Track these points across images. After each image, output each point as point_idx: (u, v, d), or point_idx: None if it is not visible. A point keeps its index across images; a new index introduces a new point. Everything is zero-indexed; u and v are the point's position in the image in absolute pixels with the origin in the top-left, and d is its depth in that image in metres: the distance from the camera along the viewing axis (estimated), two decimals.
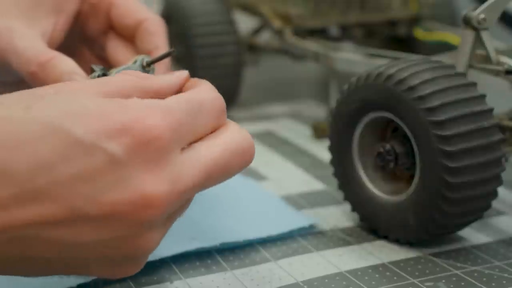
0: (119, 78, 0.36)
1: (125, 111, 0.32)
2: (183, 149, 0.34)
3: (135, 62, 0.43)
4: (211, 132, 0.36)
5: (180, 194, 0.33)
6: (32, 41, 0.45)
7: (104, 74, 0.42)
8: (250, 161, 0.36)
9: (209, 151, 0.34)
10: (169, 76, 0.38)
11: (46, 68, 0.44)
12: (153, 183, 0.32)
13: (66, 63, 0.45)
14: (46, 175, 0.31)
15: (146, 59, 0.43)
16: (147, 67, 0.43)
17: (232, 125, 0.36)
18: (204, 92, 0.36)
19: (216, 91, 0.37)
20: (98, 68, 0.42)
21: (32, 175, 0.30)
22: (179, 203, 0.34)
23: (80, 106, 0.32)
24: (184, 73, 0.38)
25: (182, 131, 0.33)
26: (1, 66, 0.46)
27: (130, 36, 0.49)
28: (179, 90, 0.38)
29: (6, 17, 0.46)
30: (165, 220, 0.34)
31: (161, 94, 0.36)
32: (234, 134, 0.36)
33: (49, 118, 0.31)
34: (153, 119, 0.32)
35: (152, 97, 0.35)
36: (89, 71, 0.44)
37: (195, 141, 0.35)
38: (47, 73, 0.44)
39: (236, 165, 0.36)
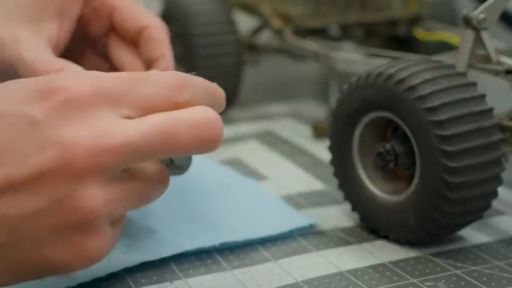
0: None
1: (48, 79, 0.34)
2: (125, 117, 0.34)
3: None
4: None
5: (108, 149, 0.33)
6: (38, 51, 0.45)
7: None
8: (212, 141, 0.35)
9: (153, 118, 0.34)
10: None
11: None
12: (72, 135, 0.32)
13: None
14: None
15: None
16: None
17: (199, 107, 0.35)
18: (160, 72, 0.36)
19: (178, 73, 0.36)
20: None
21: None
22: (114, 160, 0.33)
23: (3, 85, 0.34)
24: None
25: (111, 94, 0.34)
26: (10, 74, 0.46)
27: (132, 40, 0.49)
28: None
29: (10, 25, 0.46)
30: (104, 178, 0.33)
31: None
32: (194, 111, 0.35)
33: None
34: (73, 82, 0.33)
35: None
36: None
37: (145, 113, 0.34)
38: None
39: (188, 137, 0.35)
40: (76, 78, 0.34)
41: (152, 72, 0.36)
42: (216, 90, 0.38)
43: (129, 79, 0.35)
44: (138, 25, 0.49)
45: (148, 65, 0.49)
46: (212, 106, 0.36)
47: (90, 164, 0.33)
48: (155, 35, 0.49)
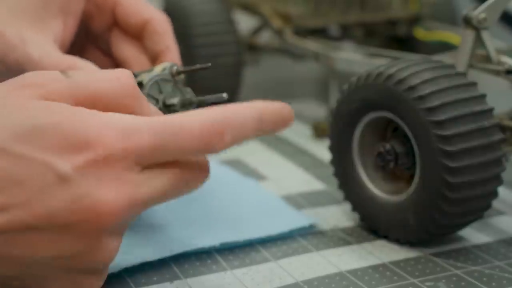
0: (96, 82, 0.35)
1: (80, 128, 0.32)
2: (144, 168, 0.34)
3: (164, 69, 0.43)
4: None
5: (135, 207, 0.34)
6: (46, 49, 0.45)
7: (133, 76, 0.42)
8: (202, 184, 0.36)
9: (166, 178, 0.34)
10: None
11: None
12: (102, 197, 0.32)
13: (86, 69, 0.45)
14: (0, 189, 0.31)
15: (175, 67, 0.43)
16: (177, 76, 0.43)
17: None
18: (192, 118, 0.34)
19: (212, 114, 0.34)
20: None
21: None
22: (135, 215, 0.34)
23: (31, 122, 0.32)
24: None
25: (142, 153, 0.33)
26: (15, 75, 0.46)
27: (136, 34, 0.49)
28: None
29: (16, 24, 0.46)
30: (121, 228, 0.35)
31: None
32: (192, 171, 0.36)
33: None
34: (105, 137, 0.32)
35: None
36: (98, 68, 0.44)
37: (161, 164, 0.34)
38: None
39: (180, 193, 0.36)
40: (108, 130, 0.32)
41: (185, 119, 0.34)
42: (274, 115, 0.37)
43: (162, 133, 0.33)
44: (141, 18, 0.49)
45: (153, 58, 0.49)
46: (267, 132, 0.36)
47: (117, 222, 0.33)
48: (159, 28, 0.49)
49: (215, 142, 0.34)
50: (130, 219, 0.34)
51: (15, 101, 0.33)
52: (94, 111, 0.33)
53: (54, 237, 0.32)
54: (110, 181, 0.32)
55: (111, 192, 0.32)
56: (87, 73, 0.35)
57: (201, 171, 0.36)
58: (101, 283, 0.36)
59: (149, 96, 0.42)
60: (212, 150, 0.34)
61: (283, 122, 0.37)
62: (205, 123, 0.34)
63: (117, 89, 0.35)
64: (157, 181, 0.34)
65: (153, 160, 0.34)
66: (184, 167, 0.35)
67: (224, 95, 0.41)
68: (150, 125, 0.33)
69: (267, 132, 0.36)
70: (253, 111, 0.35)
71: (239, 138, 0.35)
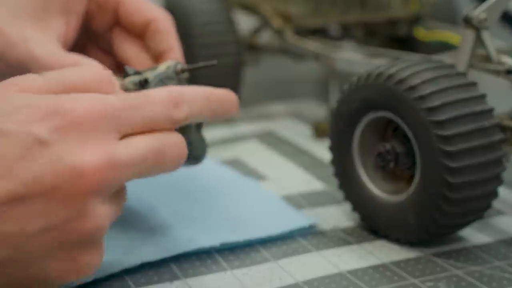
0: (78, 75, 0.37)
1: (55, 100, 0.34)
2: (123, 136, 0.36)
3: (168, 67, 0.43)
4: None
5: (114, 168, 0.34)
6: (49, 47, 0.45)
7: (137, 73, 0.43)
8: (182, 162, 0.38)
9: (143, 142, 0.36)
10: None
11: None
12: (81, 156, 0.33)
13: (90, 65, 0.45)
14: None
15: (179, 65, 0.43)
16: (181, 74, 0.43)
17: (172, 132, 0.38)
18: (156, 91, 0.38)
19: (175, 89, 0.38)
20: (131, 71, 0.43)
21: None
22: (117, 177, 0.35)
23: (8, 105, 0.34)
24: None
25: (114, 116, 0.35)
26: (18, 74, 0.46)
27: (138, 33, 0.49)
28: None
29: (17, 23, 0.46)
30: (109, 195, 0.35)
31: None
32: (167, 136, 0.38)
33: None
34: (79, 104, 0.34)
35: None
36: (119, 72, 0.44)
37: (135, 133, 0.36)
38: None
39: (164, 157, 0.37)
40: (82, 100, 0.35)
41: (150, 92, 0.38)
42: (219, 97, 0.41)
43: (131, 101, 0.36)
44: (144, 17, 0.49)
45: (156, 57, 0.49)
46: (216, 112, 0.40)
47: (99, 183, 0.34)
48: (163, 27, 0.49)
49: (175, 110, 0.37)
50: (114, 184, 0.35)
51: None
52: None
53: (40, 206, 0.33)
54: (88, 142, 0.34)
55: (89, 151, 0.34)
56: (60, 71, 0.37)
57: (177, 146, 0.38)
58: (100, 259, 0.36)
59: None
60: (175, 118, 0.37)
61: (229, 104, 0.41)
62: (163, 94, 0.38)
63: (87, 77, 0.37)
64: (134, 144, 0.36)
65: (126, 126, 0.36)
66: (159, 137, 0.37)
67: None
68: (118, 96, 0.36)
69: (216, 112, 0.40)
70: (202, 91, 0.40)
71: (193, 110, 0.39)
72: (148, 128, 0.37)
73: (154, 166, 0.37)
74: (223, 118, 0.42)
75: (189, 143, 0.42)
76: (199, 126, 0.44)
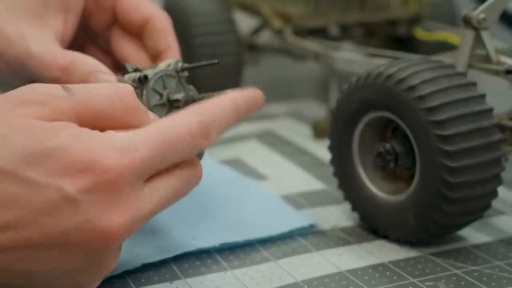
0: (99, 99, 0.35)
1: (84, 151, 0.33)
2: (146, 181, 0.35)
3: (169, 65, 0.43)
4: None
5: (139, 221, 0.35)
6: (46, 44, 0.45)
7: (137, 70, 0.42)
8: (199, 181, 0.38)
9: (168, 186, 0.36)
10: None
11: (68, 72, 0.44)
12: (110, 220, 0.33)
13: (88, 63, 0.45)
14: (11, 211, 0.32)
15: (180, 63, 0.43)
16: (181, 72, 0.43)
17: (192, 163, 0.37)
18: (181, 124, 0.36)
19: (196, 118, 0.36)
20: (130, 68, 0.42)
21: None
22: (139, 226, 0.35)
23: (38, 146, 0.32)
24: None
25: (144, 167, 0.34)
26: (18, 73, 0.46)
27: (136, 32, 0.49)
28: None
29: (15, 21, 0.46)
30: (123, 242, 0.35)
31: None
32: (189, 171, 0.37)
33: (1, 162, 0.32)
34: (112, 160, 0.33)
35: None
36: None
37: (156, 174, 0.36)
38: (71, 76, 0.44)
39: (183, 194, 0.37)
40: (109, 151, 0.33)
41: (178, 122, 0.36)
42: (246, 101, 0.39)
43: (160, 144, 0.35)
44: (142, 16, 0.49)
45: (154, 56, 0.49)
46: (244, 116, 0.39)
47: (122, 239, 0.34)
48: (160, 26, 0.48)
49: (204, 141, 0.36)
50: (133, 232, 0.35)
51: (19, 120, 0.33)
52: (95, 132, 0.34)
53: (61, 253, 0.33)
54: (115, 203, 0.33)
55: (117, 214, 0.33)
56: (87, 88, 0.36)
57: (194, 169, 0.37)
58: (99, 281, 0.36)
59: (154, 90, 0.42)
60: (201, 148, 0.37)
61: (256, 104, 0.40)
62: (194, 125, 0.36)
63: (117, 106, 0.36)
64: (159, 192, 0.35)
65: (153, 171, 0.35)
66: (181, 170, 0.36)
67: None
68: (146, 139, 0.34)
69: (244, 116, 0.39)
70: (230, 103, 0.38)
71: (222, 130, 0.37)
72: (174, 163, 0.36)
73: (174, 202, 0.37)
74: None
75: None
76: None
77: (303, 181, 0.54)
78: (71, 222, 0.32)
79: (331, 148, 0.47)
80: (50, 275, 0.34)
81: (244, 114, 0.39)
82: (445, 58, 0.48)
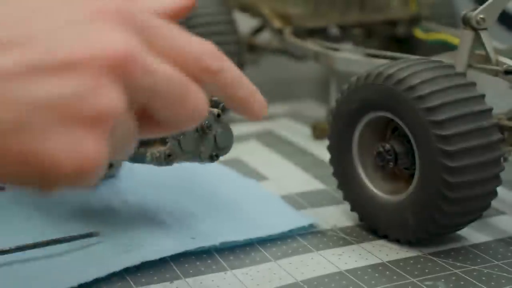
0: None
1: None
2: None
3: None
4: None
5: (138, 59, 0.33)
6: None
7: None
8: (203, 117, 0.36)
9: (175, 70, 0.35)
10: None
11: None
12: (114, 37, 0.32)
13: None
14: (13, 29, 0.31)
15: (221, 104, 0.44)
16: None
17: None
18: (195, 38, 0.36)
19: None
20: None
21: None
22: (139, 76, 0.33)
23: None
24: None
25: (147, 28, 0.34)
26: None
27: None
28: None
29: None
30: (120, 82, 0.33)
31: None
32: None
33: None
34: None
35: None
36: None
37: None
38: None
39: (193, 104, 0.36)
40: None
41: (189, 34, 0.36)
42: (250, 86, 0.39)
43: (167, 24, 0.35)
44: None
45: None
46: (245, 101, 0.38)
47: (121, 64, 0.33)
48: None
49: (210, 60, 0.36)
50: (135, 79, 0.33)
51: None
52: None
53: (58, 74, 0.32)
54: (123, 27, 0.33)
55: (124, 36, 0.33)
56: None
57: (199, 96, 0.35)
58: (101, 155, 0.33)
59: None
60: (207, 65, 0.36)
61: (257, 101, 0.40)
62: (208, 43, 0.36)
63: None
64: (161, 64, 0.34)
65: (156, 40, 0.34)
66: (184, 77, 0.35)
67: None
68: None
69: (245, 101, 0.39)
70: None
71: (227, 73, 0.37)
72: (175, 58, 0.35)
73: (176, 97, 0.35)
74: (251, 118, 0.41)
75: (213, 136, 0.43)
76: (219, 115, 0.44)
77: (303, 181, 0.55)
78: (74, 32, 0.32)
79: (331, 148, 0.47)
80: (45, 112, 0.32)
81: (246, 96, 0.39)
82: (444, 58, 0.48)
